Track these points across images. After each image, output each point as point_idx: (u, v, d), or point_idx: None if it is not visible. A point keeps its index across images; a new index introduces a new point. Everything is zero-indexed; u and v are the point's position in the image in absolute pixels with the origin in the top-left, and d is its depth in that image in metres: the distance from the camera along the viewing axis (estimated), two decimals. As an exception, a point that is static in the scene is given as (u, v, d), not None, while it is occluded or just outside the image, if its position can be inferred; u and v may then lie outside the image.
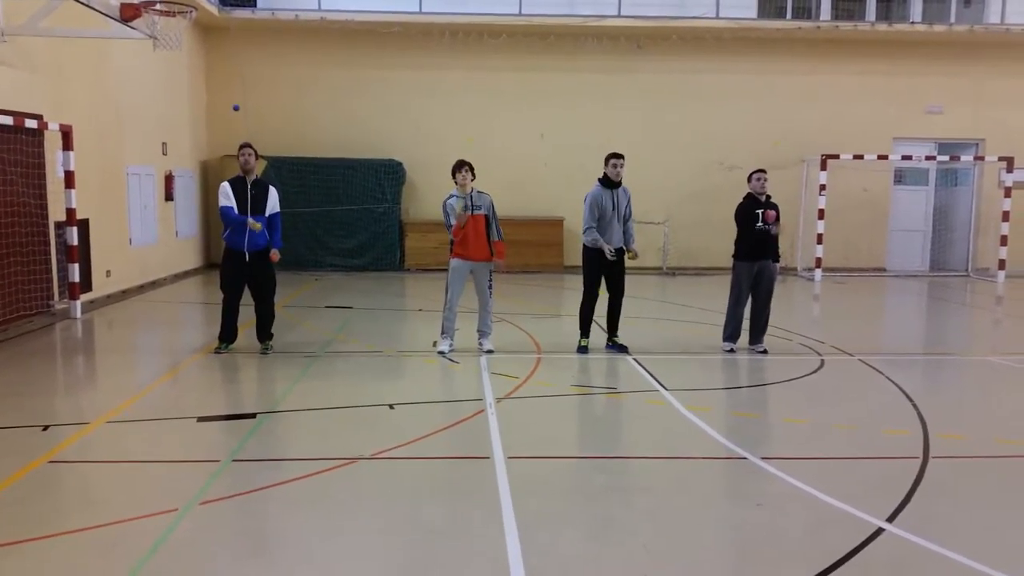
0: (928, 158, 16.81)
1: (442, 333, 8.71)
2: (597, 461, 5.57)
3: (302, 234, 15.91)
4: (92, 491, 4.97)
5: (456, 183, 8.49)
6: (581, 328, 8.83)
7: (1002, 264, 16.19)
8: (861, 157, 16.11)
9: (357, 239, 16.46)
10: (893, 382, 7.70)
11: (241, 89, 16.24)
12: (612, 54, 16.71)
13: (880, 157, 16.32)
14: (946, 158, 16.84)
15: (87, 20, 10.20)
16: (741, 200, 8.86)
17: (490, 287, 8.71)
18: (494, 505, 4.63)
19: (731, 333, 8.91)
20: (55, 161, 10.55)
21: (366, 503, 4.72)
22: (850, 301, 13.80)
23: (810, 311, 13.13)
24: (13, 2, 9.45)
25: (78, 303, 10.71)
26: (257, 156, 8.46)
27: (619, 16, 16.02)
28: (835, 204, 16.29)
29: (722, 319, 9.06)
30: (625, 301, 8.93)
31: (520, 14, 15.97)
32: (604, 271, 8.66)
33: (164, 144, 14.38)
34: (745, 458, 5.53)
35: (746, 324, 8.96)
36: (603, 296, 8.82)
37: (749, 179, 8.84)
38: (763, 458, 5.50)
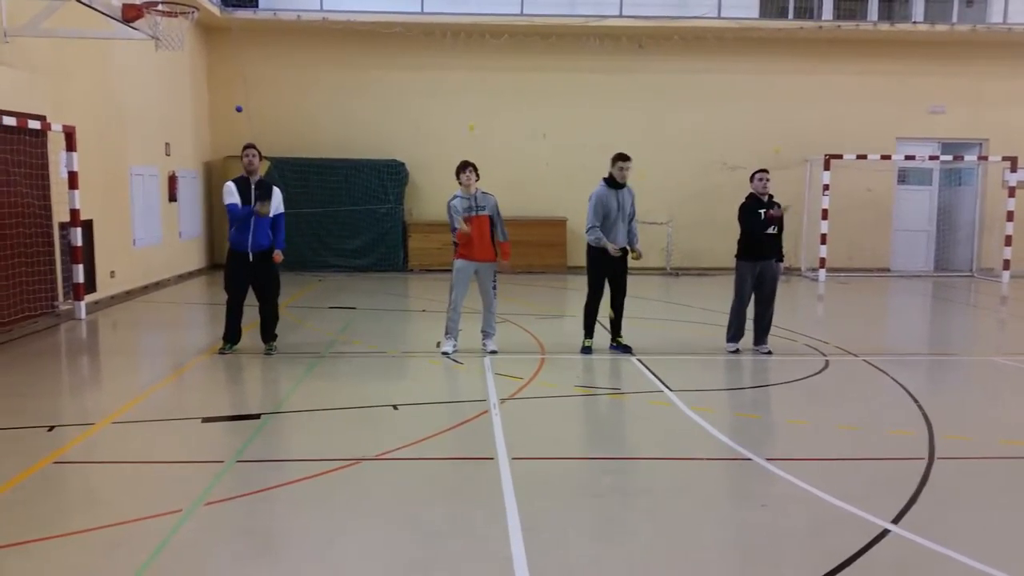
0: (932, 158, 16.79)
1: (446, 334, 8.71)
2: (601, 462, 5.57)
3: (305, 235, 15.92)
4: (97, 491, 4.97)
5: (460, 184, 8.49)
6: (585, 329, 8.82)
7: (1007, 264, 16.17)
8: (864, 157, 16.10)
9: (360, 240, 16.47)
10: (898, 383, 7.69)
11: (243, 90, 16.25)
12: (614, 54, 16.71)
13: (883, 157, 16.30)
14: (950, 158, 16.82)
15: (89, 21, 10.22)
16: (744, 200, 8.85)
17: (494, 288, 8.71)
18: (498, 506, 4.63)
19: (735, 334, 8.91)
20: (59, 162, 10.56)
21: (370, 504, 4.72)
22: (854, 301, 13.78)
23: (814, 311, 13.11)
24: (16, 3, 9.47)
25: (82, 304, 10.73)
26: (261, 157, 8.46)
27: (621, 16, 16.02)
28: (839, 204, 16.27)
29: (726, 319, 9.05)
30: (629, 302, 8.94)
31: (522, 14, 15.98)
32: (608, 271, 8.65)
33: (167, 145, 14.40)
34: (749, 459, 5.53)
35: (750, 325, 8.95)
36: (606, 299, 8.81)
37: (751, 179, 8.83)
38: (767, 459, 5.49)
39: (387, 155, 16.55)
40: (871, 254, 17.41)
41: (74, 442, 5.77)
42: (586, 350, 8.74)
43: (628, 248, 8.69)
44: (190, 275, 15.37)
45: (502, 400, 6.88)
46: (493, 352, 8.63)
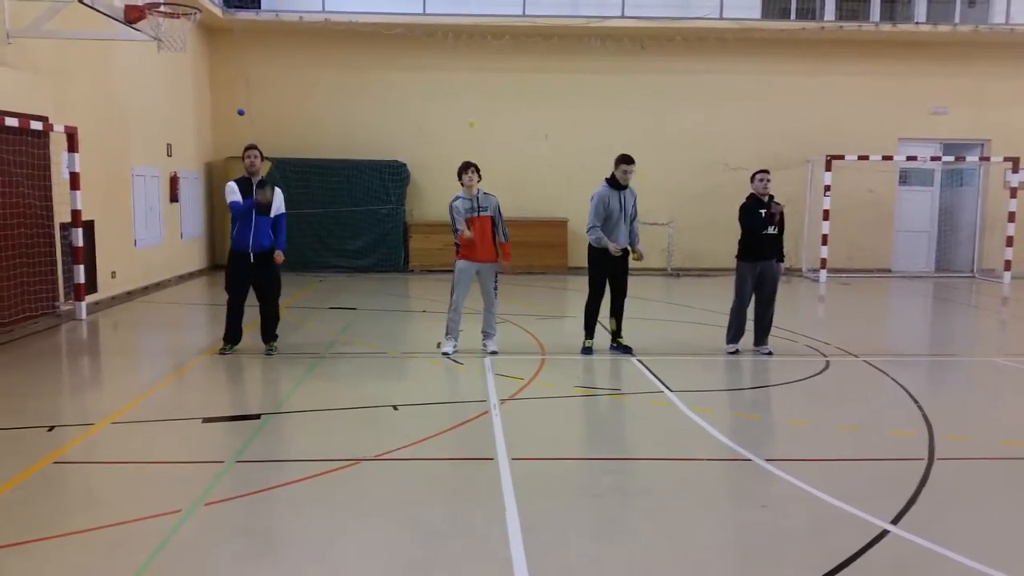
0: (933, 159, 16.77)
1: (447, 334, 8.71)
2: (601, 462, 5.57)
3: (306, 235, 15.94)
4: (97, 492, 4.98)
5: (462, 184, 8.49)
6: (586, 329, 8.82)
7: (1008, 265, 16.16)
8: (866, 158, 16.09)
9: (361, 240, 16.48)
10: (898, 383, 7.68)
11: (245, 90, 16.29)
12: (615, 55, 16.71)
13: (885, 158, 16.29)
14: (951, 159, 16.80)
15: (92, 22, 10.24)
16: (744, 200, 8.84)
17: (495, 288, 8.72)
18: (498, 506, 4.63)
19: (735, 335, 8.90)
20: (60, 163, 10.58)
21: (370, 504, 4.72)
22: (855, 302, 13.77)
23: (815, 312, 13.10)
24: (18, 4, 9.49)
25: (83, 304, 10.74)
26: (262, 157, 8.47)
27: (622, 17, 16.03)
28: (840, 205, 16.26)
29: (726, 320, 9.04)
30: (629, 302, 8.94)
31: (523, 15, 16.00)
32: (609, 272, 8.65)
33: (169, 145, 14.42)
34: (749, 459, 5.52)
35: (750, 325, 8.94)
36: (606, 298, 8.81)
37: (752, 179, 8.83)
38: (767, 459, 5.49)
39: (388, 156, 16.56)
40: (872, 255, 17.40)
41: (74, 442, 5.78)
42: (586, 351, 8.74)
43: (629, 249, 8.69)
44: (191, 276, 15.39)
45: (502, 400, 6.88)
46: (493, 352, 8.64)
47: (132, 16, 9.58)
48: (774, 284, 8.83)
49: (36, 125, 9.76)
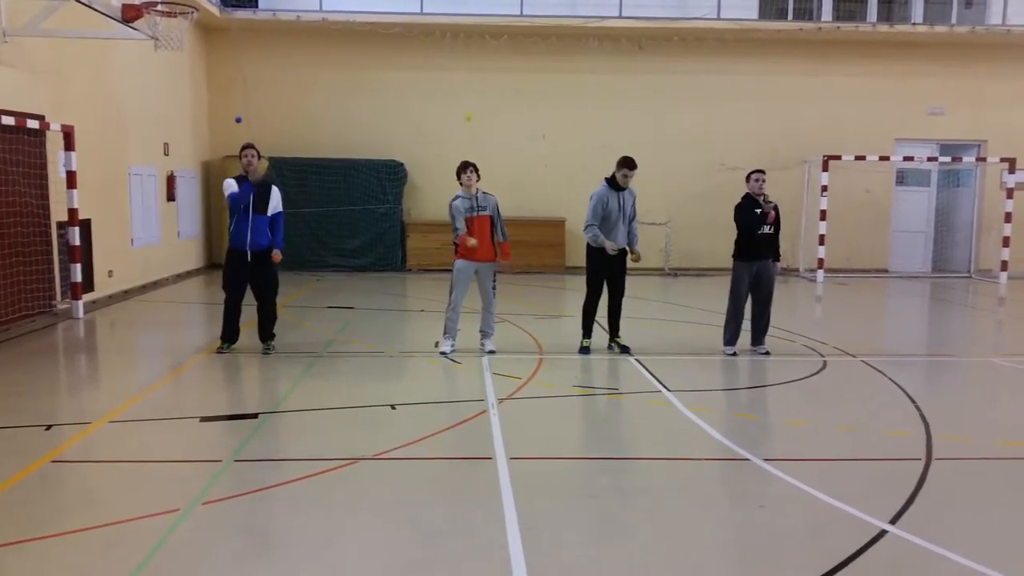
0: (930, 159, 16.80)
1: (444, 333, 8.71)
2: (599, 462, 5.57)
3: (304, 234, 15.91)
4: (94, 491, 4.97)
5: (461, 184, 8.49)
6: (583, 328, 8.82)
7: (1004, 265, 16.19)
8: (863, 158, 16.11)
9: (359, 239, 16.47)
10: (896, 383, 7.69)
11: (243, 90, 16.27)
12: (613, 55, 16.71)
13: (882, 158, 16.32)
14: (948, 159, 16.83)
15: (89, 21, 10.22)
16: (739, 200, 8.84)
17: (494, 288, 8.72)
18: (496, 506, 4.63)
19: (732, 335, 8.88)
20: (57, 161, 10.56)
21: (368, 503, 4.72)
22: (852, 302, 13.79)
23: (812, 312, 13.12)
24: (15, 3, 9.47)
25: (80, 303, 10.72)
26: (259, 157, 8.46)
27: (620, 17, 16.03)
28: (837, 205, 16.28)
29: (723, 320, 9.03)
30: (627, 302, 8.93)
31: (521, 15, 15.98)
32: (607, 271, 8.65)
33: (166, 144, 14.39)
34: (747, 459, 5.53)
35: (747, 325, 8.95)
36: (604, 298, 8.81)
37: (747, 179, 8.82)
38: (765, 459, 5.49)
39: (386, 155, 16.55)
40: (869, 255, 17.42)
41: (71, 441, 5.77)
42: (584, 350, 8.74)
43: (628, 249, 8.69)
44: (188, 275, 15.37)
45: (500, 400, 6.88)
46: (491, 352, 8.63)
47: (129, 15, 9.56)
48: (771, 284, 8.83)
49: (33, 124, 9.73)
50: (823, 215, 16.00)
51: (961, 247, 17.69)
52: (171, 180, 14.54)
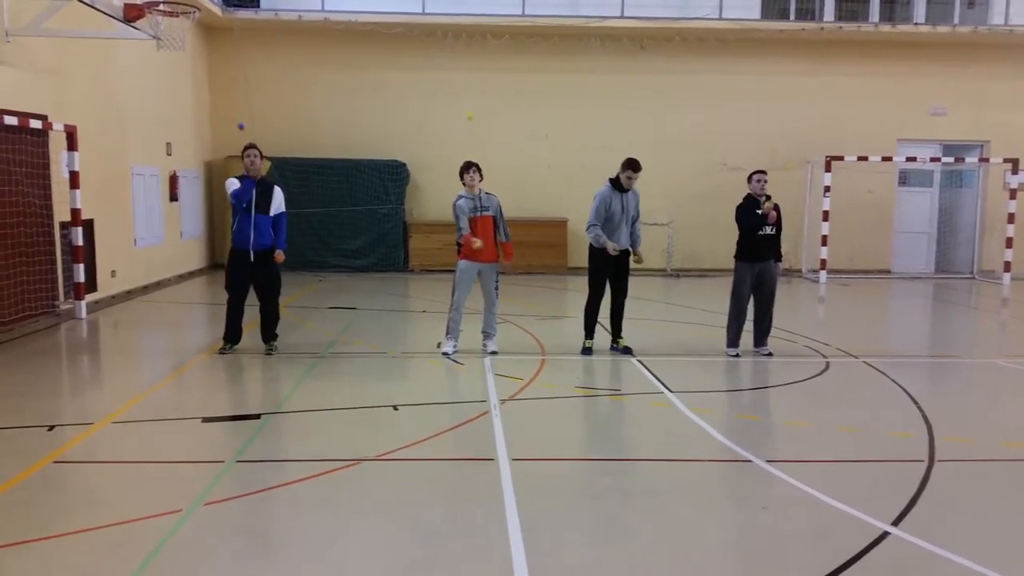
0: (933, 160, 16.79)
1: (447, 334, 8.71)
2: (601, 463, 5.56)
3: (306, 235, 15.93)
4: (97, 491, 4.97)
5: (464, 184, 8.49)
6: (585, 329, 8.82)
7: (1007, 266, 16.17)
8: (865, 159, 16.10)
9: (361, 240, 16.47)
10: (898, 385, 7.68)
11: (244, 90, 16.29)
12: (615, 55, 16.71)
13: (884, 159, 16.30)
14: (951, 160, 16.81)
15: (91, 21, 10.23)
16: (740, 201, 8.83)
17: (496, 289, 8.72)
18: (498, 506, 4.63)
19: (734, 336, 8.86)
20: (60, 161, 10.57)
21: (370, 504, 4.72)
22: (855, 303, 13.78)
23: (815, 313, 13.11)
24: (18, 3, 9.48)
25: (83, 303, 10.73)
26: (262, 157, 8.47)
27: (622, 17, 16.03)
28: (839, 206, 16.27)
29: (726, 321, 9.02)
30: (629, 303, 8.93)
31: (523, 15, 15.99)
32: (610, 272, 8.65)
33: (168, 144, 14.41)
34: (750, 461, 5.52)
35: (750, 327, 8.94)
36: (606, 299, 8.81)
37: (749, 180, 8.81)
38: (768, 461, 5.49)
39: (388, 155, 16.55)
40: (872, 256, 17.41)
41: (74, 442, 5.78)
42: (586, 351, 8.74)
43: (630, 250, 8.69)
44: (191, 275, 15.38)
45: (502, 401, 6.88)
46: (493, 353, 8.63)
47: (131, 15, 9.57)
48: (773, 285, 8.82)
49: (35, 124, 9.75)
50: (825, 216, 15.99)
51: (964, 248, 17.67)
52: (174, 180, 14.56)
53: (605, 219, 8.46)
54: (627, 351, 8.76)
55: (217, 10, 15.13)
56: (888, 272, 17.41)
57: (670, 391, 7.29)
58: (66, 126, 10.35)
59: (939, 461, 5.53)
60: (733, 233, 8.90)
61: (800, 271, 16.79)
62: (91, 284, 11.31)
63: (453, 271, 8.77)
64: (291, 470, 5.23)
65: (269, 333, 8.64)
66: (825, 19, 16.69)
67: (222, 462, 5.35)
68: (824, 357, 8.85)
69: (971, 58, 16.93)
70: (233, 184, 8.28)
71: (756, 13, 16.68)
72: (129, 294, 12.67)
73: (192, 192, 15.63)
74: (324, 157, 16.42)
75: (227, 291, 8.50)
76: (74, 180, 10.54)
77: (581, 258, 9.23)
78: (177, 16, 10.14)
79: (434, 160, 16.22)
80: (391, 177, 16.39)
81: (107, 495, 4.89)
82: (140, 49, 12.18)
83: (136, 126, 13.09)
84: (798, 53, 16.87)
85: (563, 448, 5.93)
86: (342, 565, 3.99)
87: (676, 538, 4.36)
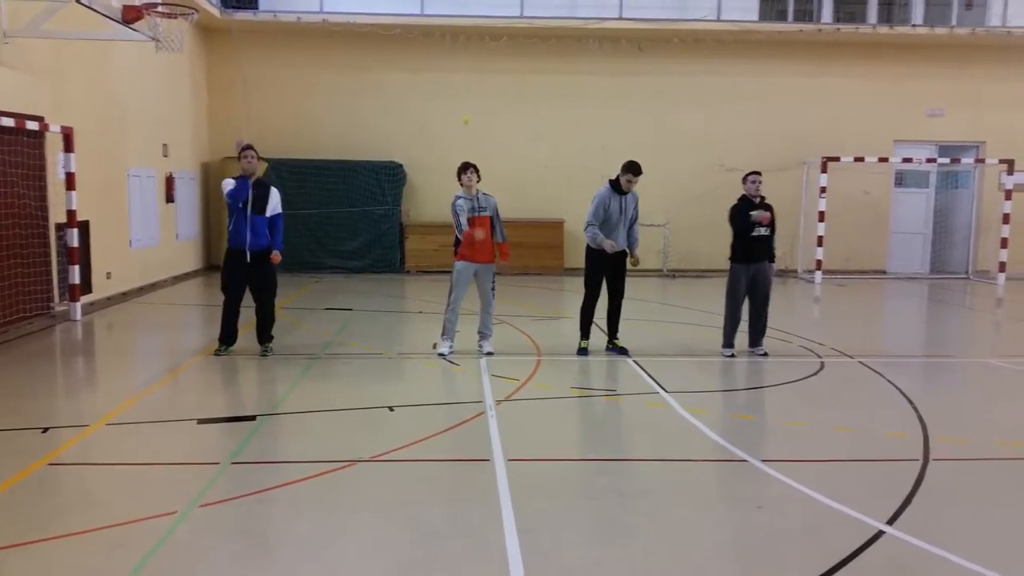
0: (929, 161, 16.82)
1: (443, 334, 8.71)
2: (597, 463, 5.57)
3: (302, 236, 15.90)
4: (92, 493, 4.97)
5: (461, 184, 8.50)
6: (581, 330, 8.82)
7: (1002, 267, 16.20)
8: (862, 160, 16.12)
9: (357, 241, 16.47)
10: (893, 384, 7.70)
11: (242, 91, 16.28)
12: (613, 56, 16.72)
13: (881, 160, 16.32)
14: (947, 161, 16.84)
15: (89, 22, 10.22)
16: (735, 202, 8.83)
17: (493, 289, 8.72)
18: (494, 507, 4.63)
19: (729, 337, 8.87)
20: (56, 163, 10.56)
21: (367, 505, 4.72)
22: (850, 303, 13.79)
23: (810, 313, 13.13)
24: (15, 4, 9.47)
25: (78, 305, 10.72)
26: (259, 158, 8.46)
27: (620, 19, 16.04)
28: (836, 206, 16.29)
29: (722, 321, 9.02)
30: (625, 303, 8.93)
31: (521, 16, 15.99)
32: (607, 272, 8.65)
33: (165, 146, 14.40)
34: (745, 460, 5.53)
35: (745, 327, 8.94)
36: (603, 300, 8.81)
37: (744, 181, 8.82)
38: (763, 460, 5.50)
39: (385, 156, 16.55)
40: (868, 256, 17.42)
41: (69, 443, 5.77)
42: (582, 352, 8.74)
43: (628, 251, 8.69)
44: (186, 276, 15.37)
45: (498, 402, 6.88)
46: (489, 353, 8.63)
47: (129, 16, 9.56)
48: (767, 286, 8.82)
49: (32, 125, 9.74)
50: (822, 216, 16.01)
51: (959, 248, 17.70)
52: (170, 181, 14.54)
53: (603, 220, 8.47)
54: (623, 351, 8.77)
55: (215, 11, 15.12)
56: (884, 273, 17.43)
57: (666, 391, 7.30)
58: (63, 127, 10.34)
59: (934, 460, 5.55)
60: (730, 234, 8.91)
61: (796, 271, 16.81)
62: (86, 286, 11.29)
63: (449, 272, 8.77)
64: (287, 471, 5.23)
65: (265, 334, 8.64)
66: (823, 20, 16.71)
67: (218, 463, 5.35)
68: (819, 357, 8.86)
69: (968, 59, 16.96)
70: (229, 185, 8.29)
71: (754, 15, 16.69)
72: (124, 296, 12.65)
73: (188, 194, 15.62)
74: (321, 158, 16.41)
75: (223, 292, 8.49)
76: (70, 181, 10.53)
77: (578, 259, 9.24)
78: (175, 18, 10.13)
79: (431, 161, 16.21)
80: (388, 178, 16.38)
81: (103, 497, 4.88)
82: (138, 51, 12.17)
83: (133, 128, 13.08)
84: (796, 54, 16.90)
85: (559, 448, 5.93)
86: (339, 566, 3.99)
87: (673, 538, 4.37)
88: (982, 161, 16.78)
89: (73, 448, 5.69)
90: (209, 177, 16.50)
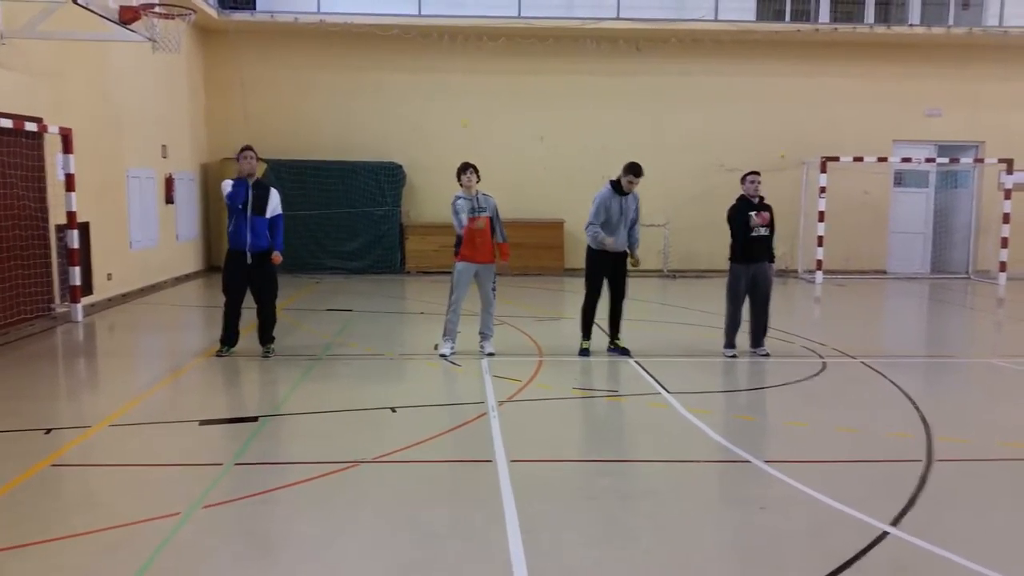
0: (928, 160, 16.83)
1: (444, 335, 8.71)
2: (599, 464, 5.57)
3: (302, 237, 15.89)
4: (95, 494, 4.96)
5: (461, 185, 8.50)
6: (583, 331, 8.82)
7: (1003, 266, 16.20)
8: (861, 160, 16.13)
9: (357, 242, 16.46)
10: (895, 385, 7.70)
11: (240, 92, 16.26)
12: (611, 56, 16.72)
13: (880, 160, 16.34)
14: (946, 160, 16.85)
15: (86, 23, 10.19)
16: (733, 203, 8.83)
17: (494, 290, 8.72)
18: (496, 508, 4.63)
19: (730, 338, 8.86)
20: (55, 164, 10.54)
21: (369, 506, 4.71)
22: (851, 303, 13.80)
23: (811, 313, 13.13)
24: (12, 5, 9.45)
25: (79, 306, 10.71)
26: (258, 159, 8.46)
27: (618, 19, 16.04)
28: (835, 207, 16.30)
29: (723, 321, 9.02)
30: (626, 304, 8.93)
31: (519, 16, 15.98)
32: (607, 273, 8.65)
33: (164, 147, 14.38)
34: (748, 461, 5.53)
35: (746, 327, 8.94)
36: (604, 300, 8.81)
37: (743, 181, 8.82)
38: (766, 461, 5.50)
39: (384, 157, 16.54)
40: (868, 256, 17.42)
41: (71, 445, 5.76)
42: (584, 352, 8.74)
43: (628, 252, 8.69)
44: (187, 277, 15.35)
45: (500, 402, 6.87)
46: (491, 354, 8.63)
47: (127, 17, 9.55)
48: (768, 286, 8.81)
49: (31, 126, 9.73)
50: (821, 216, 16.02)
51: (959, 248, 17.71)
52: (169, 182, 14.53)
53: (603, 221, 8.47)
54: (624, 352, 8.76)
55: (213, 12, 15.10)
56: (884, 272, 17.44)
57: (668, 392, 7.30)
58: (62, 129, 10.33)
59: (937, 461, 5.55)
60: (729, 234, 8.89)
61: (796, 272, 16.82)
62: (87, 287, 11.28)
63: (450, 273, 8.77)
64: (289, 472, 5.23)
65: (266, 335, 8.63)
66: (820, 20, 16.71)
67: (220, 465, 5.34)
68: (821, 358, 8.87)
69: (966, 59, 16.97)
70: (228, 187, 8.28)
71: (752, 15, 16.70)
72: (125, 297, 12.64)
73: (188, 194, 15.60)
74: (320, 159, 16.40)
75: (224, 294, 8.48)
76: (70, 183, 10.51)
77: (578, 259, 9.23)
78: (173, 18, 10.13)
79: (431, 162, 16.20)
80: (387, 179, 16.37)
81: (105, 498, 4.88)
82: (136, 51, 12.15)
83: (132, 128, 13.06)
84: (794, 54, 16.90)
85: (561, 449, 5.93)
86: (341, 566, 3.98)
87: (674, 539, 4.37)
88: (981, 161, 16.79)
89: (75, 449, 5.68)
90: (208, 178, 16.48)
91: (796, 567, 4.04)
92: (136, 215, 13.20)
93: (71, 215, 10.57)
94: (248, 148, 8.38)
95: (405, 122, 16.73)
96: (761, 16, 16.82)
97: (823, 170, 15.93)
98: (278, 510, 4.69)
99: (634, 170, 8.44)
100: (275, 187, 8.78)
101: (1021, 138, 16.87)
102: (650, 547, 4.25)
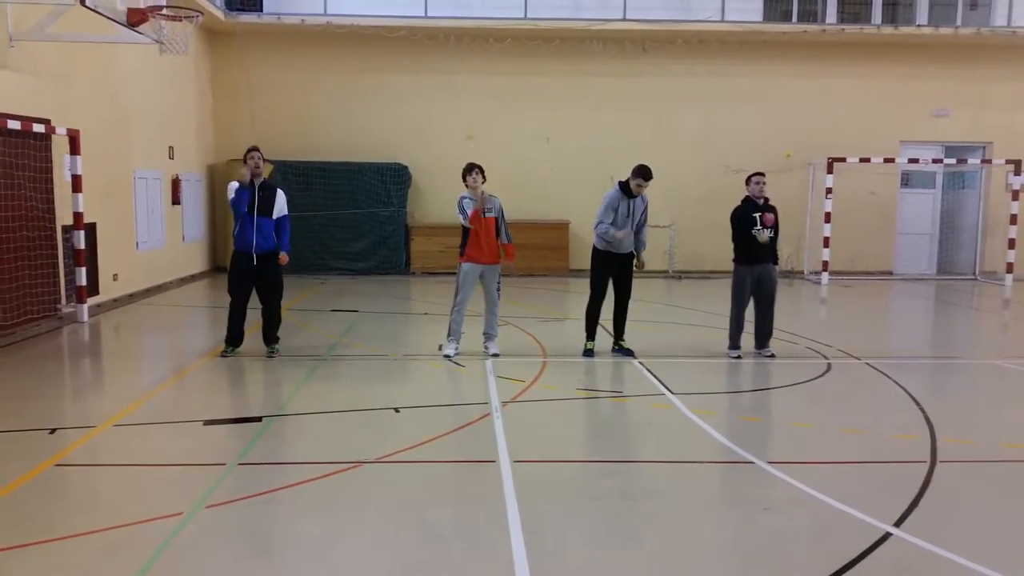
0: (935, 161, 16.77)
1: (448, 336, 8.71)
2: (603, 465, 5.56)
3: (307, 238, 15.93)
4: (99, 494, 4.98)
5: (467, 185, 8.51)
6: (587, 331, 8.81)
7: (1010, 267, 16.14)
8: (868, 160, 16.09)
9: (362, 242, 16.49)
10: (900, 386, 7.67)
11: (247, 93, 16.32)
12: (617, 58, 16.71)
13: (887, 160, 16.29)
14: (953, 161, 16.79)
15: (94, 25, 10.25)
16: (738, 204, 8.81)
17: (498, 290, 8.73)
18: (500, 509, 4.63)
19: (735, 339, 8.85)
20: (62, 165, 10.59)
21: (372, 507, 4.72)
22: (857, 304, 13.76)
23: (817, 314, 13.10)
24: (21, 8, 9.51)
25: (85, 307, 10.75)
26: (264, 160, 8.47)
27: (624, 20, 16.04)
28: (841, 207, 16.26)
29: (727, 323, 9.00)
30: (631, 305, 8.92)
31: (525, 18, 16.00)
32: (612, 274, 8.65)
33: (171, 148, 14.44)
34: (752, 462, 5.52)
35: (751, 328, 8.92)
36: (609, 301, 8.81)
37: (747, 182, 8.80)
38: (770, 462, 5.48)
39: (390, 158, 16.57)
40: (874, 257, 17.38)
41: (76, 444, 5.78)
42: (588, 353, 8.73)
43: (634, 254, 8.69)
44: (193, 278, 15.40)
45: (504, 403, 6.87)
46: (495, 355, 8.63)
47: (134, 19, 9.59)
48: (772, 287, 8.79)
49: (38, 128, 9.77)
50: (828, 217, 15.98)
51: (966, 249, 17.64)
52: (176, 184, 14.58)
53: (611, 222, 8.46)
54: (629, 353, 8.76)
55: (220, 14, 15.16)
56: (890, 273, 17.39)
57: (672, 393, 7.29)
58: (69, 130, 10.38)
59: (941, 462, 5.53)
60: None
61: (802, 273, 16.78)
62: (93, 287, 11.32)
63: (455, 273, 8.77)
64: (293, 472, 5.23)
65: (271, 336, 8.65)
66: (827, 21, 16.68)
67: (224, 465, 5.36)
68: (826, 359, 8.84)
69: (974, 60, 16.91)
70: (232, 191, 8.29)
71: (758, 15, 16.68)
72: (131, 297, 12.69)
73: (194, 195, 15.66)
74: (326, 160, 16.44)
75: (230, 294, 8.51)
76: (76, 184, 10.56)
77: (583, 260, 9.24)
78: (180, 20, 10.17)
79: (436, 163, 16.23)
80: (393, 180, 16.40)
81: (109, 498, 4.89)
82: (143, 53, 12.21)
83: (139, 130, 13.11)
84: (800, 55, 16.86)
85: (565, 450, 5.92)
86: (343, 566, 3.99)
87: (678, 539, 4.36)
88: (989, 161, 16.73)
89: (80, 449, 5.70)
90: (215, 179, 16.55)
91: (799, 568, 4.03)
92: (143, 216, 13.25)
93: (78, 216, 10.62)
94: (255, 149, 8.40)
95: (411, 123, 16.75)
96: (768, 17, 16.80)
97: (829, 171, 15.89)
98: (281, 510, 4.70)
99: (643, 173, 8.42)
100: (281, 188, 8.80)
101: (1029, 139, 16.81)
102: (653, 548, 4.25)
